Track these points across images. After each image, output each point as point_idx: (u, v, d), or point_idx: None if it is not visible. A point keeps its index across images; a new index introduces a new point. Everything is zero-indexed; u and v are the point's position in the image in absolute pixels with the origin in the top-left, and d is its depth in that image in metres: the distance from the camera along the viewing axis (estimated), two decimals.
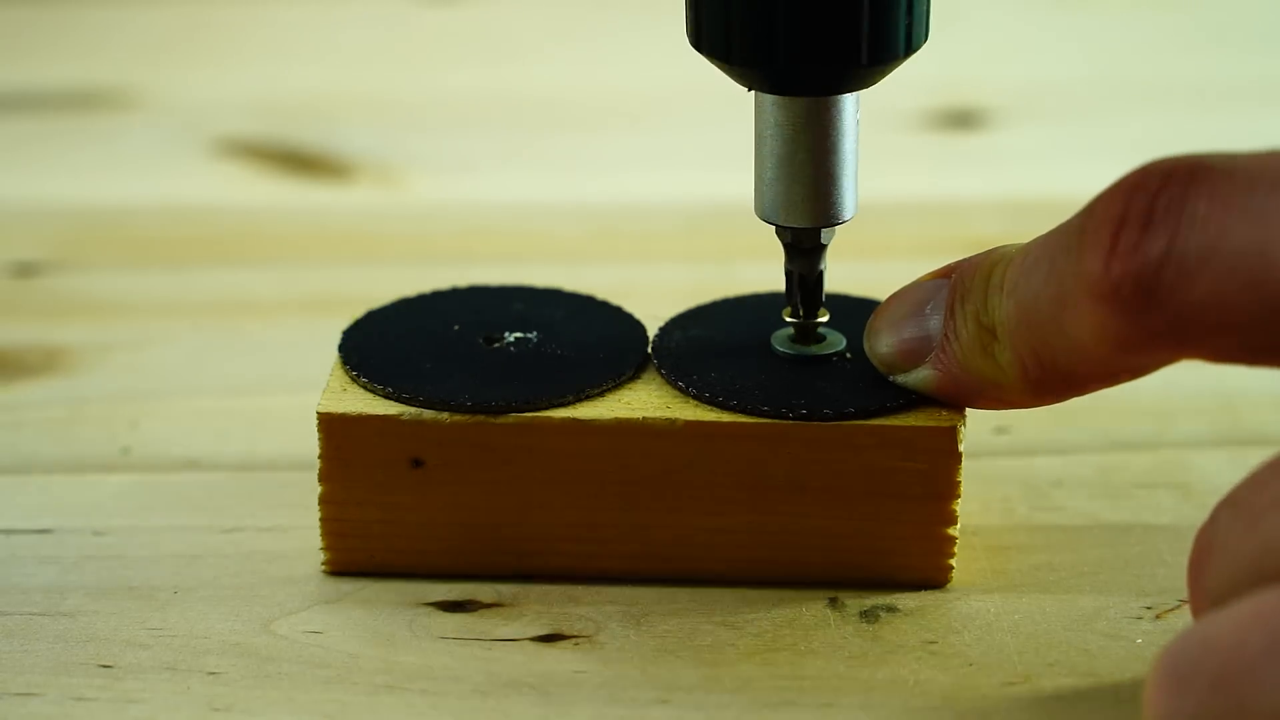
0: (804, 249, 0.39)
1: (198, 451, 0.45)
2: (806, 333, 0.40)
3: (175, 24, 0.78)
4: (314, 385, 0.40)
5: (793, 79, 0.37)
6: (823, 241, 0.39)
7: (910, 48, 0.36)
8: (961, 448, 0.37)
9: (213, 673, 0.36)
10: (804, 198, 0.38)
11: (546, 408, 0.38)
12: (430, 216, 0.60)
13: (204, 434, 0.46)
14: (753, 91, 0.38)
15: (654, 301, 0.42)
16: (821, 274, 0.39)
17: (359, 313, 0.42)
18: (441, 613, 0.38)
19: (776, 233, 0.39)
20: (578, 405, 0.38)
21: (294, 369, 0.48)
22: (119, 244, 0.57)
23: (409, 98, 0.70)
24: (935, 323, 0.37)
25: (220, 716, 0.35)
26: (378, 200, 0.61)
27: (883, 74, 0.37)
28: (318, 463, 0.38)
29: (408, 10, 0.80)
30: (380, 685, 0.36)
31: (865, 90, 0.37)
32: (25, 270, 0.55)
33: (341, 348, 0.40)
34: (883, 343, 0.38)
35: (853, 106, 0.38)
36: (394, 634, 0.37)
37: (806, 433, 0.38)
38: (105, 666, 0.37)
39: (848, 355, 0.39)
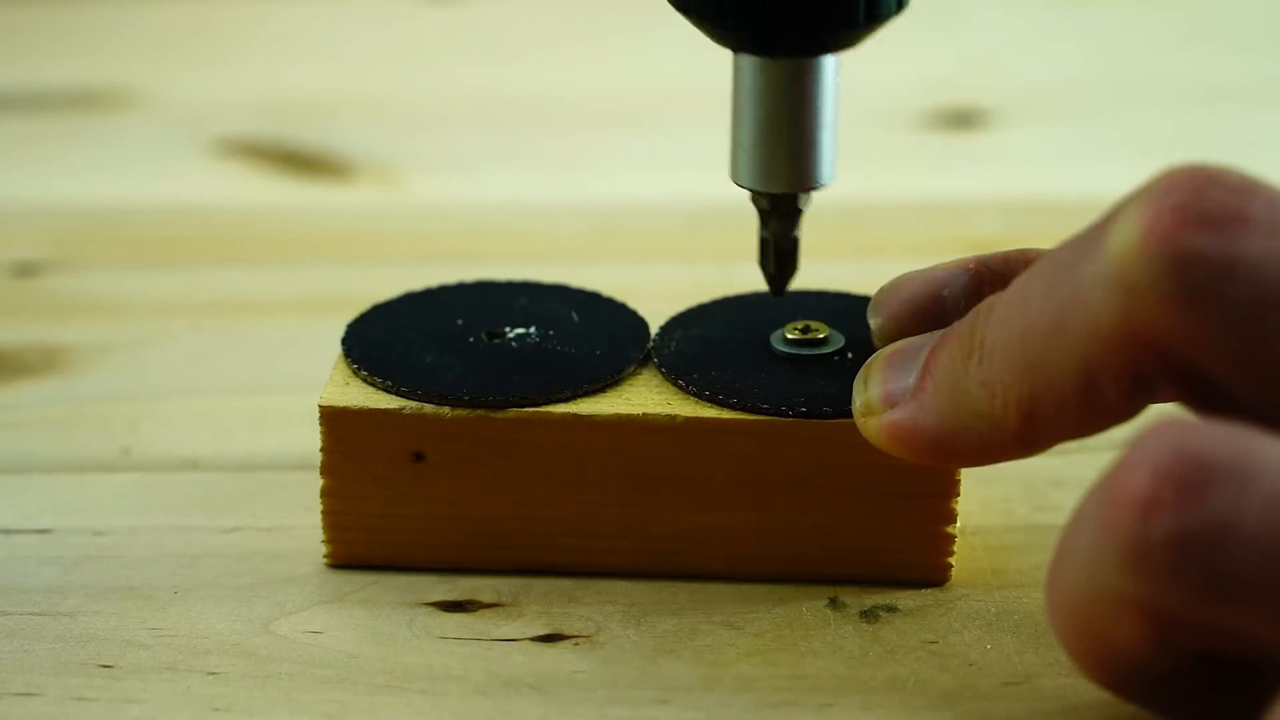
0: (780, 214, 0.39)
1: (198, 451, 0.45)
2: (781, 298, 0.39)
3: (175, 24, 0.78)
4: (314, 385, 0.40)
5: (780, 38, 0.36)
6: (800, 207, 0.39)
7: (901, 4, 0.36)
8: None
9: (213, 673, 0.36)
10: (784, 163, 0.38)
11: (546, 403, 0.38)
12: (430, 216, 0.60)
13: (204, 434, 0.46)
14: (734, 57, 0.37)
15: (654, 301, 0.42)
16: (797, 240, 0.39)
17: (359, 313, 0.42)
18: (441, 612, 0.38)
19: (752, 198, 0.39)
20: (578, 401, 0.38)
21: (294, 369, 0.48)
22: (119, 244, 0.57)
23: (409, 98, 0.70)
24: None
25: (220, 716, 0.35)
26: (378, 200, 0.61)
27: (869, 34, 0.37)
28: (319, 457, 0.38)
29: (408, 10, 0.80)
30: (380, 685, 0.36)
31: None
32: (25, 270, 0.55)
33: (345, 341, 0.40)
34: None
35: (833, 70, 0.37)
36: (394, 634, 0.37)
37: (806, 431, 0.38)
38: (105, 666, 0.37)
39: (848, 355, 0.39)
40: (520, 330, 0.41)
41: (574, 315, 0.41)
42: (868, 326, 0.39)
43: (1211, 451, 0.29)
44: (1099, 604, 0.30)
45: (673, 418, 0.38)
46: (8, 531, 0.41)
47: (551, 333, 0.41)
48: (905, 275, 0.38)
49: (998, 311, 0.34)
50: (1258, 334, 0.30)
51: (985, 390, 0.34)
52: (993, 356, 0.33)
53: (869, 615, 0.38)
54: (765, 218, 0.39)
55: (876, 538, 0.38)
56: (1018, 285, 0.34)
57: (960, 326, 0.35)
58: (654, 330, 0.41)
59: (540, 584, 0.39)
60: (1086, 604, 0.31)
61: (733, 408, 0.38)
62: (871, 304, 0.39)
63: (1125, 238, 0.31)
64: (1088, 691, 0.35)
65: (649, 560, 0.39)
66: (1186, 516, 0.29)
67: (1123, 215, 0.31)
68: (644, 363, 0.40)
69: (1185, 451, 0.29)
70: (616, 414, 0.38)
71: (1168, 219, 0.30)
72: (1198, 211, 0.30)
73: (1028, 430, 0.33)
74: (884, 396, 0.36)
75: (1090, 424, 0.33)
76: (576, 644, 0.37)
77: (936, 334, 0.36)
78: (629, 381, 0.39)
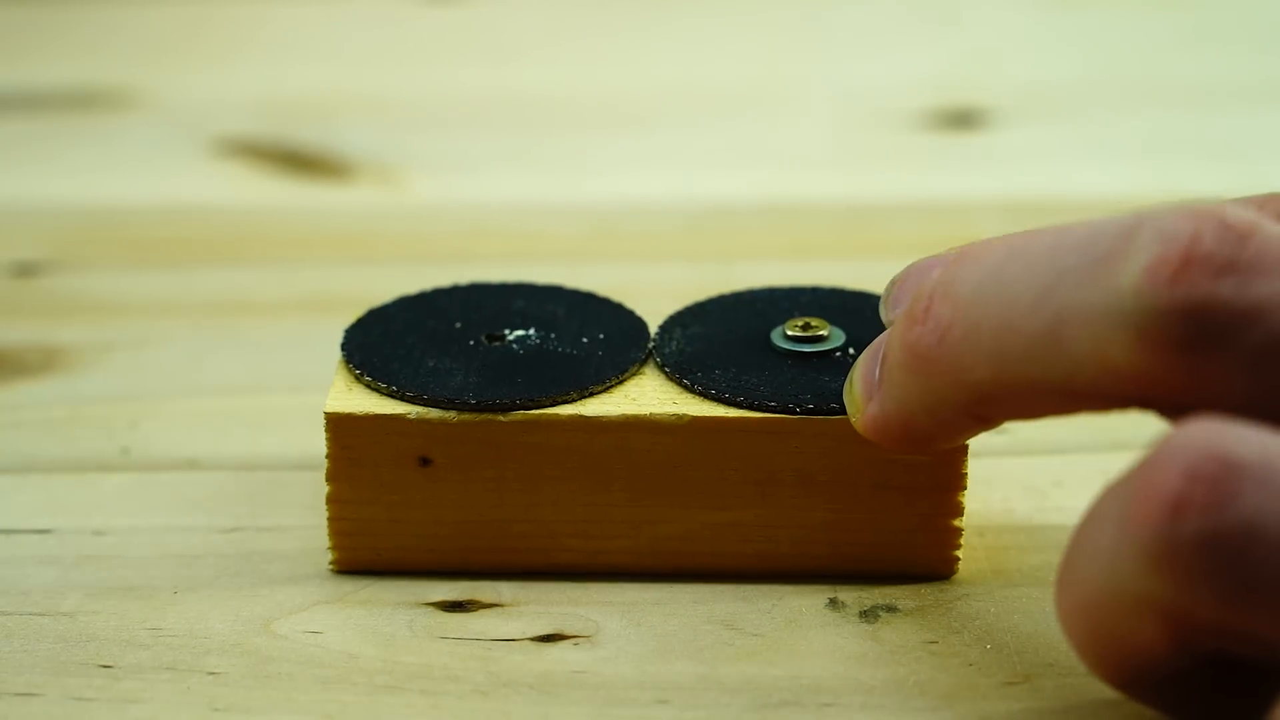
0: None
1: (198, 451, 0.45)
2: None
3: (175, 24, 0.78)
4: (314, 385, 0.40)
5: None
6: None
7: None
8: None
9: (213, 673, 0.36)
10: None
11: (553, 405, 0.38)
12: (430, 216, 0.60)
13: (204, 434, 0.45)
14: None
15: (654, 301, 0.42)
16: None
17: (359, 312, 0.42)
18: (441, 613, 0.38)
19: None
20: (584, 402, 0.38)
21: (294, 369, 0.48)
22: (119, 244, 0.57)
23: (409, 98, 0.70)
24: None
25: (220, 716, 0.35)
26: (378, 200, 0.61)
27: None
28: (322, 462, 0.38)
29: (408, 10, 0.80)
30: (380, 685, 0.36)
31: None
32: (25, 270, 0.55)
33: (344, 347, 0.40)
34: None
35: None
36: (394, 634, 0.37)
37: (812, 427, 0.38)
38: (105, 666, 0.36)
39: (850, 351, 0.39)
40: (520, 332, 0.41)
41: (571, 316, 0.41)
42: (866, 322, 0.39)
43: (1242, 452, 0.29)
44: (1117, 603, 0.30)
45: (680, 417, 0.38)
46: (7, 531, 0.41)
47: (552, 334, 0.41)
48: (914, 265, 0.38)
49: (962, 293, 0.33)
50: (1275, 377, 0.30)
51: (942, 371, 0.33)
52: (956, 340, 0.33)
53: (869, 615, 0.38)
54: None
55: (883, 532, 0.38)
56: (991, 269, 0.33)
57: (914, 307, 0.34)
58: (651, 329, 0.41)
59: (540, 584, 0.39)
60: (1103, 603, 0.30)
61: (739, 406, 0.38)
62: (883, 300, 0.39)
63: (1139, 275, 0.30)
64: (1088, 691, 0.35)
65: (657, 560, 0.39)
66: (1217, 517, 0.28)
67: (1138, 248, 0.31)
68: (645, 362, 0.40)
69: (1218, 452, 0.29)
70: (624, 415, 0.38)
71: (1187, 264, 0.30)
72: (1216, 255, 0.30)
73: (982, 408, 0.34)
74: (863, 392, 0.36)
75: (1040, 416, 0.34)
76: (576, 644, 0.37)
77: None
78: (632, 381, 0.39)
